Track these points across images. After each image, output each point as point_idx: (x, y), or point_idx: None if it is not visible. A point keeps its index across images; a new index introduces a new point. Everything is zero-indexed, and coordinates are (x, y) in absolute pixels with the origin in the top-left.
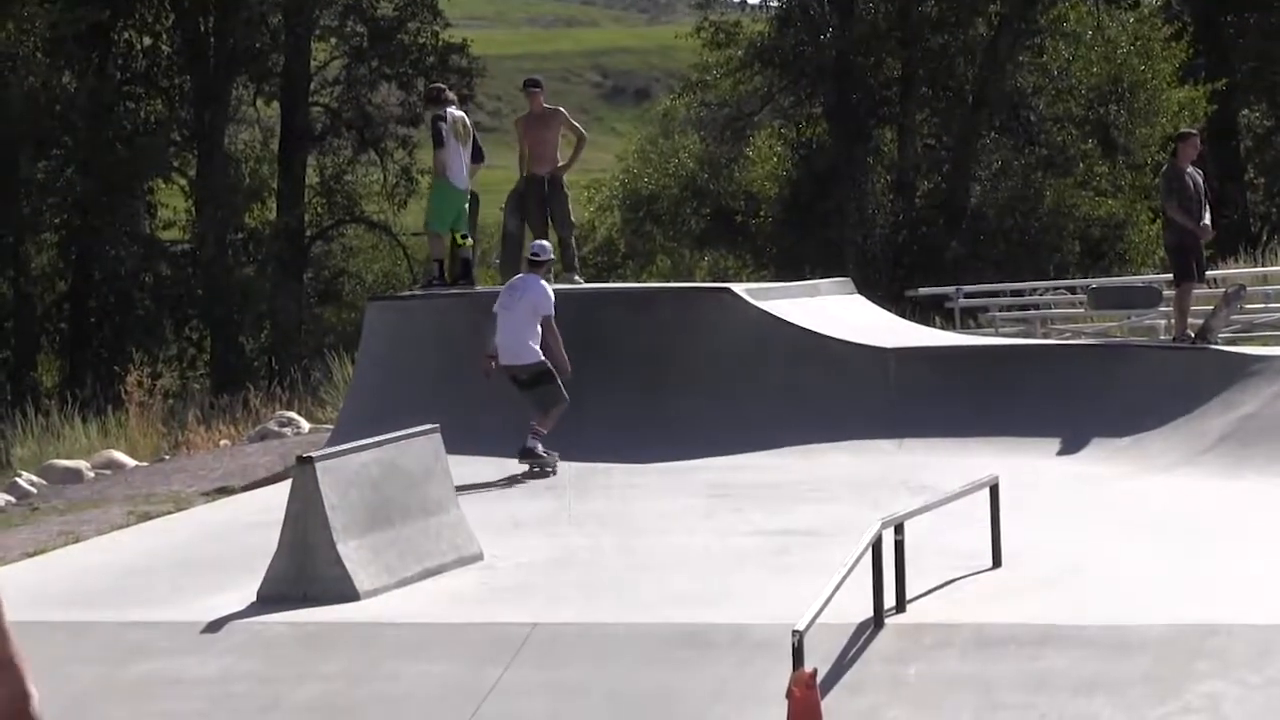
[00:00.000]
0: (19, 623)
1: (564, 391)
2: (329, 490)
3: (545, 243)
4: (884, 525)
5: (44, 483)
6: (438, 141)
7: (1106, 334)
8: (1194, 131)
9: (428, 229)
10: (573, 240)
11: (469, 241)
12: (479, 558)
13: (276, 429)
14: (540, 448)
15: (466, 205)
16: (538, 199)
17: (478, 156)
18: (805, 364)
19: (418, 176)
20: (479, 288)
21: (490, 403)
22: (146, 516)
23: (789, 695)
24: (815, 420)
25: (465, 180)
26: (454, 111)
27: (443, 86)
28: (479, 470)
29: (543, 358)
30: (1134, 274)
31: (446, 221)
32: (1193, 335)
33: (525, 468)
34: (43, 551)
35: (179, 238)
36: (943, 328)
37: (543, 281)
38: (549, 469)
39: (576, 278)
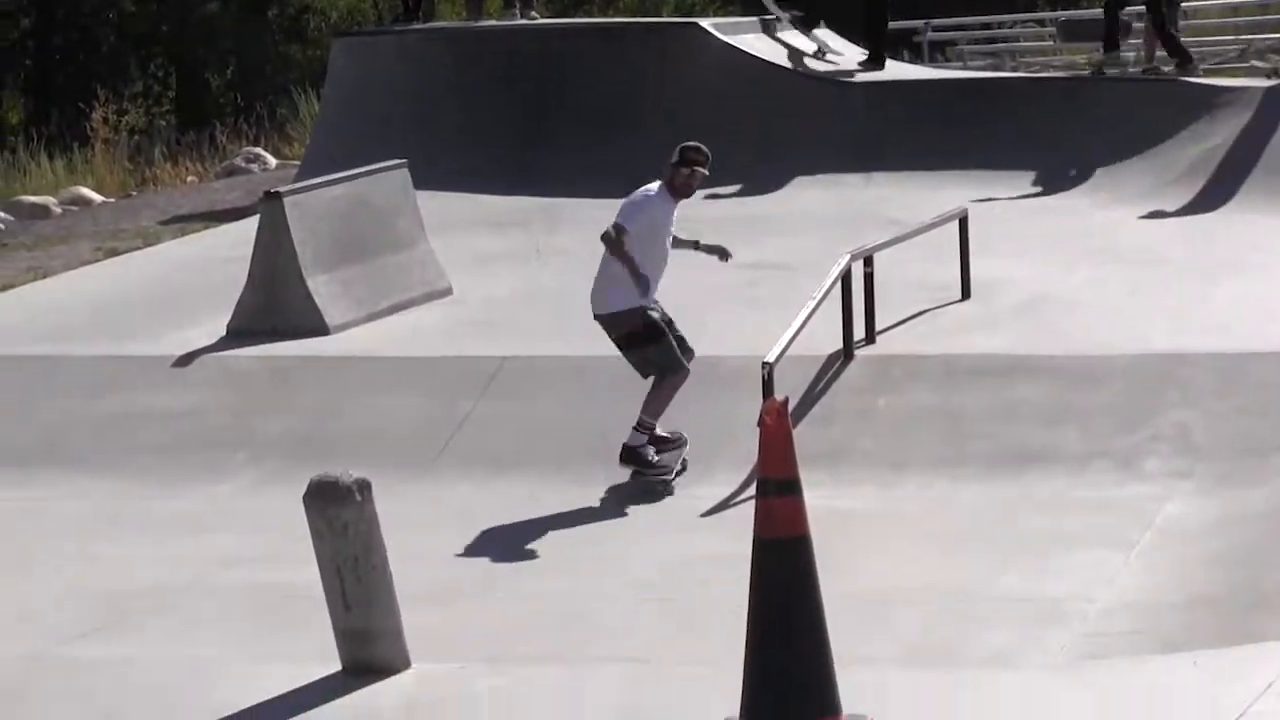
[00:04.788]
0: None
1: (677, 353)
2: (297, 225)
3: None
4: (853, 257)
5: (11, 218)
6: None
7: (1076, 67)
8: None
9: None
10: None
11: None
12: (448, 292)
13: (244, 165)
14: (649, 449)
15: None
16: None
17: None
18: (773, 99)
19: None
20: (444, 23)
21: (457, 139)
22: (115, 252)
23: (760, 424)
24: (783, 155)
25: None
26: None
27: None
28: (447, 205)
29: (637, 304)
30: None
31: None
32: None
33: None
34: (11, 286)
35: None
36: (911, 62)
37: (648, 190)
38: (658, 482)
39: (532, 13)
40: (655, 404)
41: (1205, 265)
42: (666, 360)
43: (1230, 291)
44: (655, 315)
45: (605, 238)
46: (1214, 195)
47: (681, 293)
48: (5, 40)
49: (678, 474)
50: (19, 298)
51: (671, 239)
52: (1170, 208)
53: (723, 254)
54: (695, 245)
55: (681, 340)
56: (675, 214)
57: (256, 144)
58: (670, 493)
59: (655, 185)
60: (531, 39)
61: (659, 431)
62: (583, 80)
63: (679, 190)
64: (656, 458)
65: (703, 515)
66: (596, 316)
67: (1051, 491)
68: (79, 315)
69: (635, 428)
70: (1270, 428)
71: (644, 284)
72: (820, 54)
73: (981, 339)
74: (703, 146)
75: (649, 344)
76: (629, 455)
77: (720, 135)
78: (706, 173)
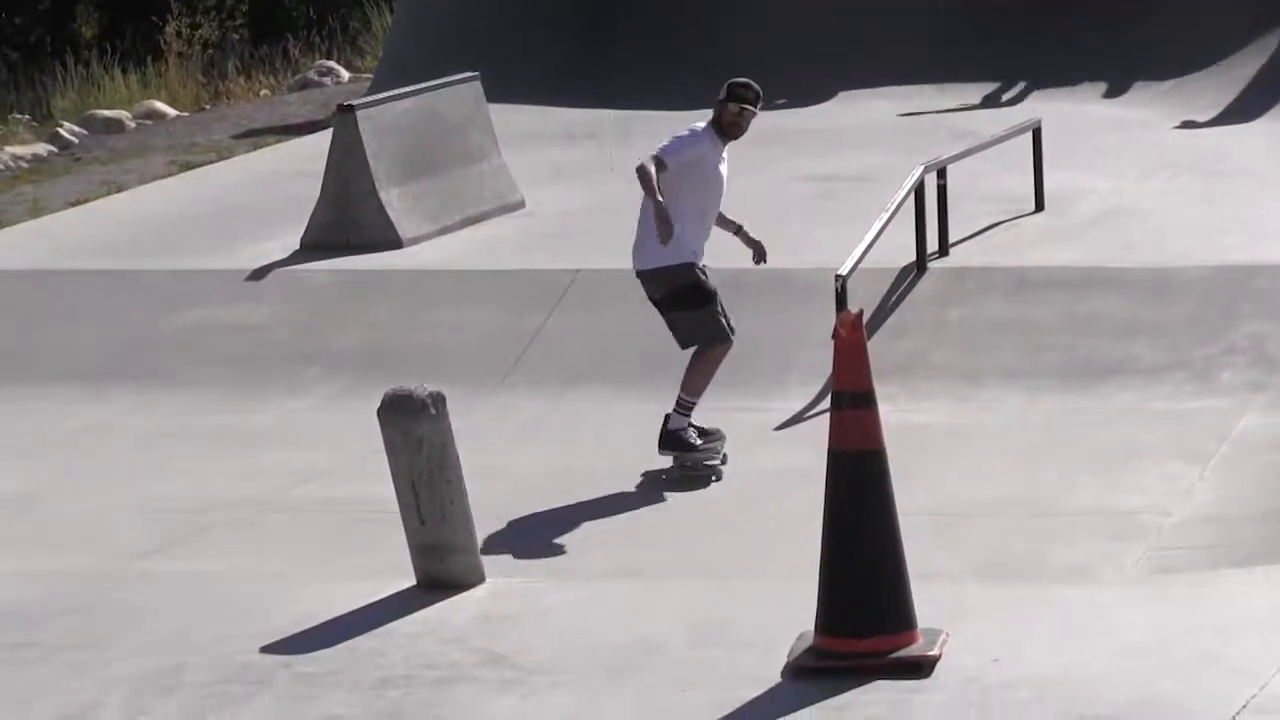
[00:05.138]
0: (68, 271)
1: (722, 319)
2: (370, 138)
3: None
4: (926, 169)
5: (85, 133)
6: None
7: None
8: None
9: None
10: None
11: None
12: (521, 205)
13: (316, 79)
14: (690, 431)
15: None
16: None
17: None
18: (844, 8)
19: None
20: None
21: (529, 51)
22: (188, 166)
23: (835, 336)
24: (856, 66)
25: None
26: None
27: None
28: (520, 118)
29: (685, 259)
30: None
31: None
32: None
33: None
34: (86, 201)
35: None
36: None
37: (695, 126)
38: (705, 468)
39: None
40: (697, 380)
41: None
42: (710, 327)
43: None
44: (705, 275)
45: (639, 169)
46: None
47: (753, 204)
48: None
49: (723, 460)
50: (93, 212)
51: (723, 190)
52: (1245, 119)
53: (759, 254)
54: (737, 230)
55: (726, 315)
56: (726, 157)
57: (329, 57)
58: (719, 478)
59: (702, 123)
60: None
61: (696, 423)
62: None
63: (728, 129)
64: (700, 440)
65: (776, 429)
66: (637, 272)
67: (1126, 404)
68: (152, 229)
69: (676, 409)
70: None
71: (667, 232)
72: None
73: (1055, 251)
74: (752, 83)
75: (694, 306)
76: (670, 440)
77: (790, 46)
78: (756, 111)
